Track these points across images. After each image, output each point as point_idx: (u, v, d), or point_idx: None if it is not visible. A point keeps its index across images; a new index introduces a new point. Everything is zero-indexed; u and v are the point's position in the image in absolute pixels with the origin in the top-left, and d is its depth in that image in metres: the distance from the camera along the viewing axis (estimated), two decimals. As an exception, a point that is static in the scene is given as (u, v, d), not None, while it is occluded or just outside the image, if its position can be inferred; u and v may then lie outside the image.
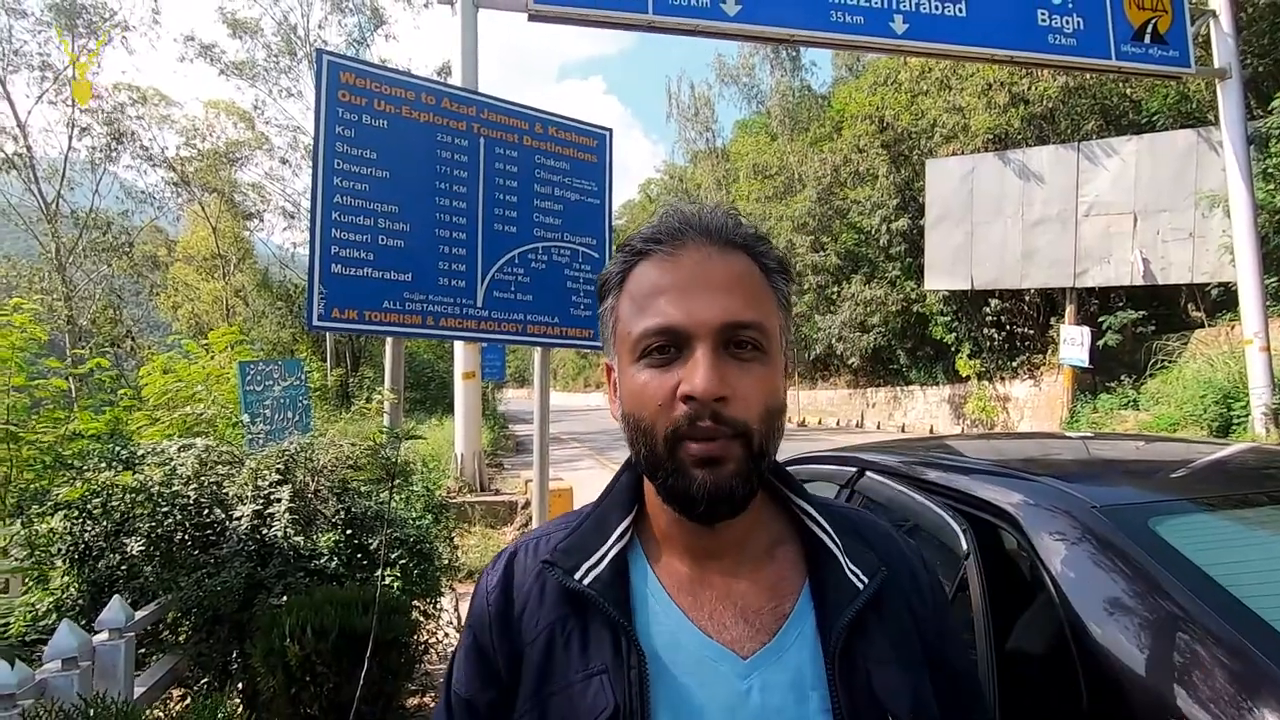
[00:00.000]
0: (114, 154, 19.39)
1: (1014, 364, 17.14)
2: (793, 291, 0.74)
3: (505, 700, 0.69)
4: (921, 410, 20.27)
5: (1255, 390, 9.62)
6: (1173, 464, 1.52)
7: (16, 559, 2.74)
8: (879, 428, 21.22)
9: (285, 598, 2.51)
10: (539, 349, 4.47)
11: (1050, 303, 16.15)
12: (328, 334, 17.00)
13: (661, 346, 0.64)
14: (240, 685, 2.64)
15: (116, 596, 2.12)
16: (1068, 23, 8.83)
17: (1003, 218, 14.07)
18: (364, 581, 2.78)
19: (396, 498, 3.24)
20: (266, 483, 2.80)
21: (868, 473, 1.65)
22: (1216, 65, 10.08)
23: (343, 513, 2.91)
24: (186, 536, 2.63)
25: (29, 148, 17.90)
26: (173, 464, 2.78)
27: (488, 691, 0.70)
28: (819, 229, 22.34)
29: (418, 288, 3.91)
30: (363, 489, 3.13)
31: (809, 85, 28.79)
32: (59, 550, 2.54)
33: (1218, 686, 0.79)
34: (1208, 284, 12.50)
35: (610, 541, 0.70)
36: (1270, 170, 10.99)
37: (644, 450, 0.65)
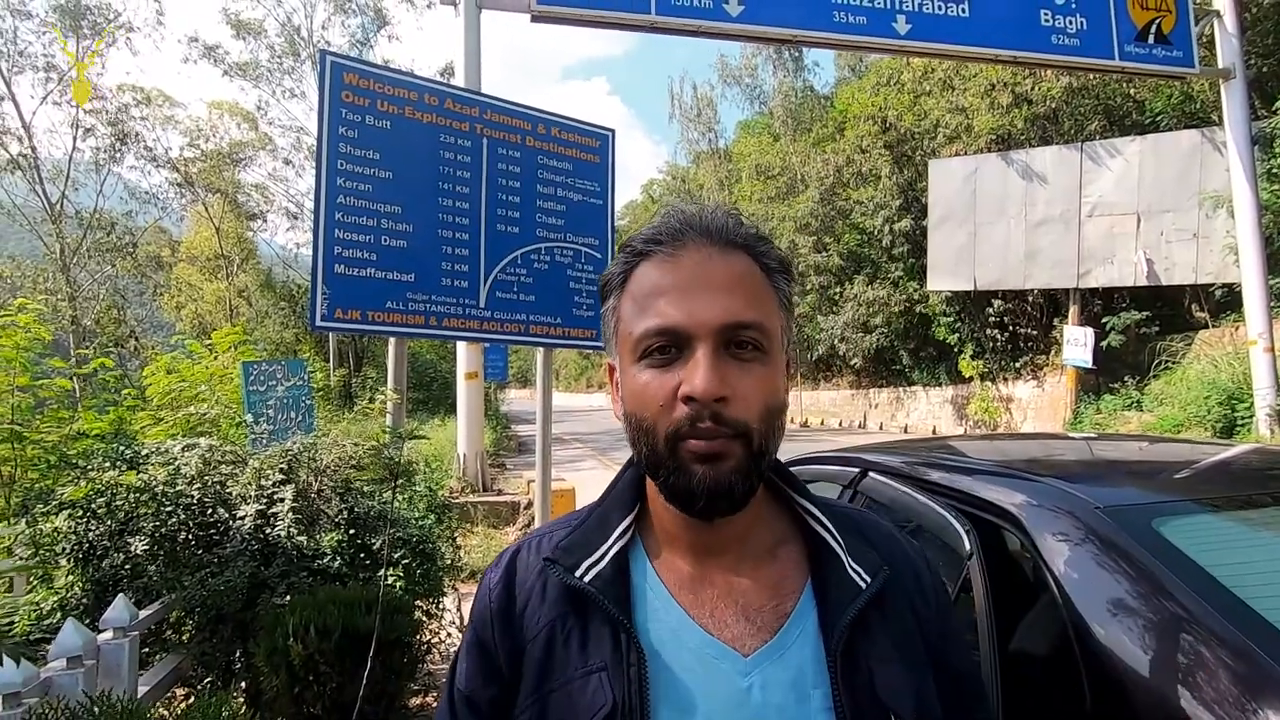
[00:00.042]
0: (118, 155, 19.45)
1: (1017, 365, 17.11)
2: (795, 292, 0.74)
3: (507, 697, 0.69)
4: (924, 411, 20.24)
5: (1259, 391, 9.59)
6: (1176, 465, 1.52)
7: (21, 558, 2.75)
8: (881, 428, 21.19)
9: (288, 597, 2.52)
10: (541, 349, 4.48)
11: (1053, 303, 16.13)
12: (331, 334, 17.03)
13: (662, 347, 0.64)
14: (244, 684, 2.65)
15: (121, 595, 2.12)
16: (1071, 23, 8.81)
17: (1006, 218, 14.05)
18: (367, 581, 2.79)
19: (399, 498, 3.25)
20: (270, 482, 2.81)
21: (870, 473, 1.65)
22: (1220, 65, 10.06)
23: (346, 512, 2.91)
24: (190, 536, 2.64)
25: (34, 148, 17.98)
26: (177, 464, 2.78)
27: (489, 688, 0.71)
28: (821, 230, 22.32)
29: (420, 288, 3.92)
30: (366, 489, 3.14)
31: (812, 86, 28.79)
32: (63, 549, 2.55)
33: (1222, 688, 0.79)
34: (1212, 285, 12.46)
35: (612, 539, 0.70)
36: (1275, 170, 10.95)
37: (645, 449, 0.66)
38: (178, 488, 2.69)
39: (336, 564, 2.78)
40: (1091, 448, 1.83)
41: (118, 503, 2.60)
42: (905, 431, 19.81)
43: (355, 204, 3.73)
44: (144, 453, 2.84)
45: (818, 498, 0.75)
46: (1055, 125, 16.07)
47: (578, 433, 21.22)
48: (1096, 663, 0.92)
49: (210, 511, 2.69)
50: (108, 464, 2.72)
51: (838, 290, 21.74)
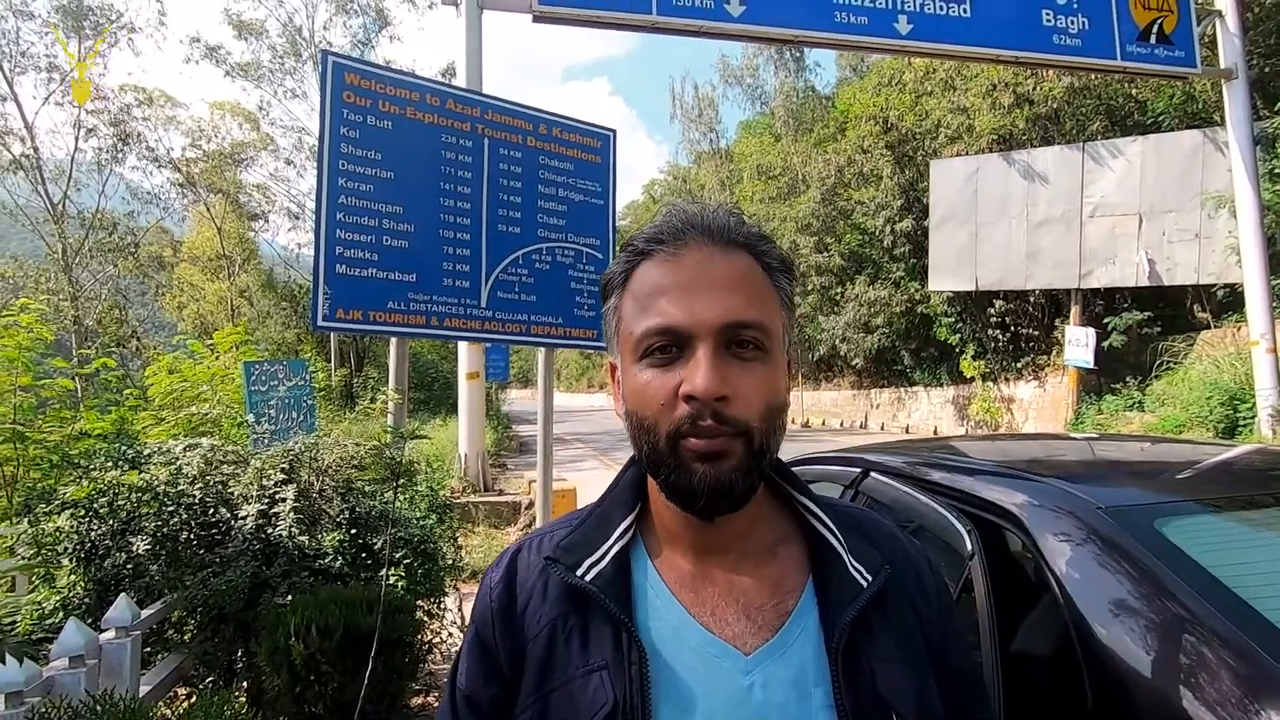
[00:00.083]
0: (120, 155, 19.47)
1: (1018, 365, 17.09)
2: (796, 291, 0.74)
3: (508, 696, 0.69)
4: (926, 411, 20.22)
5: (1261, 392, 9.57)
6: (1178, 465, 1.51)
7: (23, 557, 2.76)
8: (883, 429, 21.18)
9: (290, 597, 2.52)
10: (542, 350, 4.48)
11: (1055, 304, 16.10)
12: (332, 334, 17.05)
13: (663, 346, 0.64)
14: (245, 684, 2.65)
15: (123, 595, 2.13)
16: (1073, 23, 8.80)
17: (1007, 218, 14.03)
18: (368, 581, 2.79)
19: (401, 498, 3.25)
20: (271, 482, 2.81)
21: (872, 473, 1.65)
22: (1222, 65, 10.05)
23: (347, 512, 2.92)
24: (192, 536, 2.65)
25: (36, 149, 18.00)
26: (178, 463, 2.79)
27: (490, 687, 0.71)
28: (823, 230, 22.31)
29: (422, 288, 3.92)
30: (367, 489, 3.14)
31: (813, 86, 28.75)
32: (65, 549, 2.56)
33: (1224, 689, 0.79)
34: (1214, 285, 12.44)
35: (613, 538, 0.70)
36: (1277, 171, 10.94)
37: (646, 448, 0.66)
38: (179, 487, 2.69)
39: (338, 564, 2.78)
40: (1093, 448, 1.83)
41: (120, 502, 2.60)
42: (907, 432, 19.79)
43: (357, 204, 3.74)
44: (146, 452, 2.85)
45: (819, 496, 0.75)
46: (1057, 125, 16.05)
47: (579, 433, 21.23)
48: (1098, 663, 0.92)
49: (212, 511, 2.70)
50: (110, 464, 2.73)
51: (839, 290, 21.73)
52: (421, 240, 3.93)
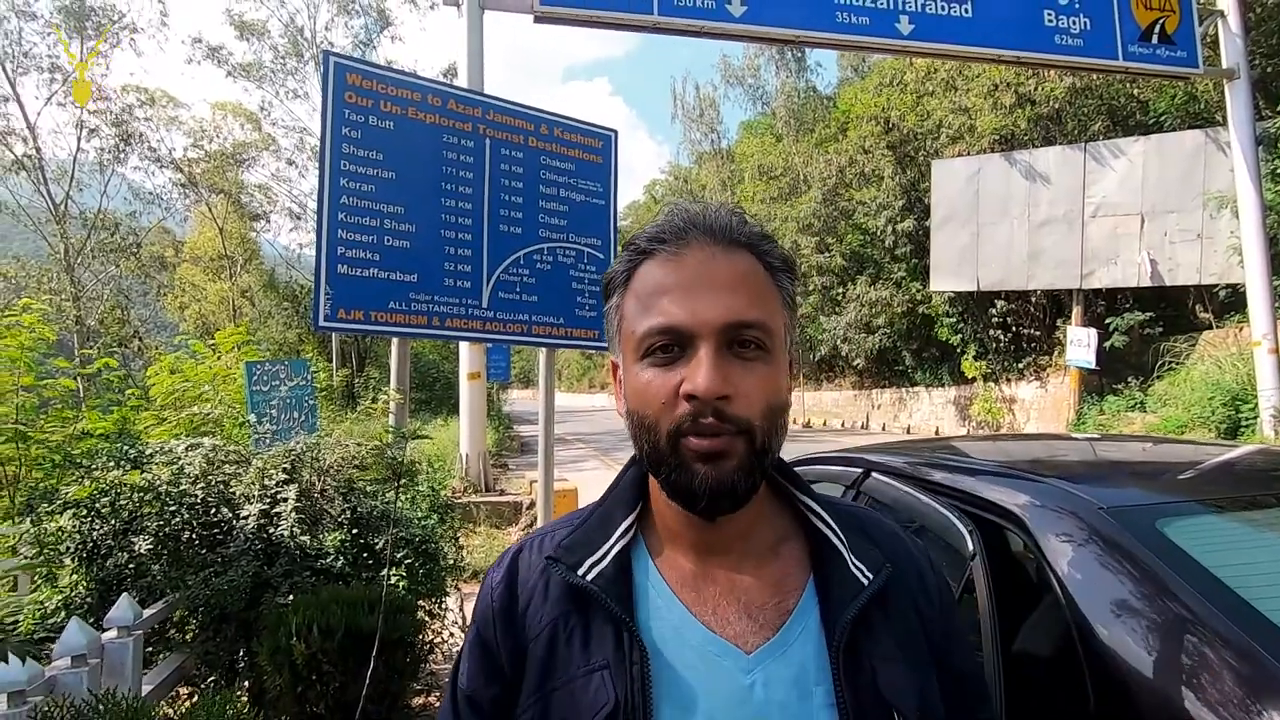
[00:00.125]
0: (122, 155, 19.51)
1: (1020, 365, 17.08)
2: (798, 291, 0.74)
3: (509, 696, 0.69)
4: (927, 412, 20.20)
5: (1264, 392, 9.56)
6: (1180, 465, 1.51)
7: (26, 557, 2.76)
8: (884, 429, 21.17)
9: (291, 597, 2.52)
10: (544, 350, 4.48)
11: (1056, 304, 16.09)
12: (333, 334, 17.06)
13: (665, 345, 0.64)
14: (247, 683, 2.66)
15: (125, 595, 2.13)
16: (1074, 23, 8.80)
17: (1009, 219, 14.02)
18: (370, 581, 2.79)
19: (402, 498, 3.25)
20: (273, 482, 2.81)
21: (873, 474, 1.65)
22: (1224, 66, 10.04)
23: (349, 512, 2.92)
24: (194, 535, 2.65)
25: (38, 149, 18.04)
26: (180, 463, 2.79)
27: (492, 687, 0.71)
28: (824, 230, 22.31)
29: (423, 288, 3.92)
30: (368, 489, 3.14)
31: (814, 86, 28.78)
32: (67, 548, 2.56)
33: (1226, 689, 0.79)
34: (1216, 285, 12.43)
35: (614, 538, 0.70)
36: (1279, 171, 10.92)
37: (648, 447, 0.66)
38: (181, 487, 2.70)
39: (339, 564, 2.78)
40: (1095, 448, 1.83)
41: (122, 502, 2.61)
42: (908, 432, 19.78)
43: (358, 204, 3.74)
44: (148, 452, 2.85)
45: (820, 495, 0.75)
46: (1058, 125, 16.04)
47: (580, 433, 21.23)
48: (1100, 663, 0.92)
49: (214, 511, 2.70)
50: (112, 463, 2.73)
51: (840, 291, 21.73)
52: (423, 240, 3.93)
